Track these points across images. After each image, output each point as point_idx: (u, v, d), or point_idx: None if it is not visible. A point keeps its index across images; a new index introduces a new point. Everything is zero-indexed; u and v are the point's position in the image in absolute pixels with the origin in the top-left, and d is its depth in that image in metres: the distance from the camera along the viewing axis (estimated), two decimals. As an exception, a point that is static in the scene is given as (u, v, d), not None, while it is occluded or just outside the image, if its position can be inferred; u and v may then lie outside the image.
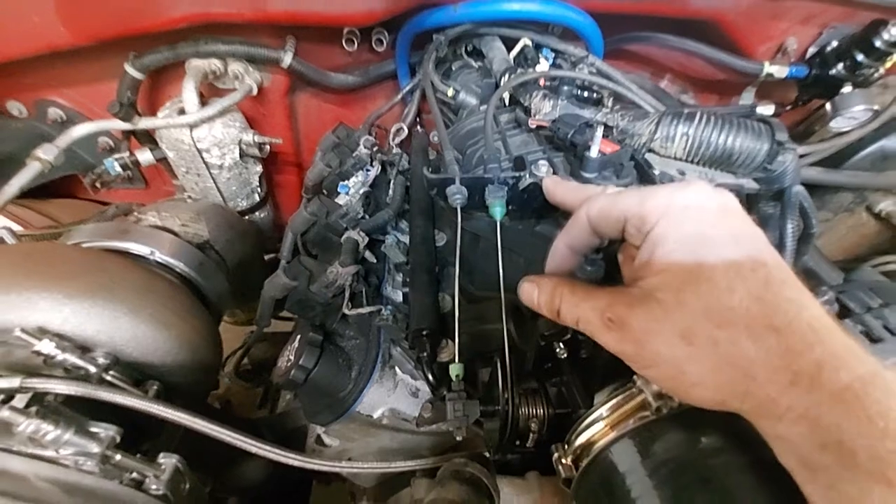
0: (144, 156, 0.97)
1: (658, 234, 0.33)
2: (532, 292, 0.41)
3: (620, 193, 0.37)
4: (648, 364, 0.34)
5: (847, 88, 0.88)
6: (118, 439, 0.48)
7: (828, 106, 0.89)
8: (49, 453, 0.45)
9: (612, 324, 0.34)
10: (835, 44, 0.88)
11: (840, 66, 0.86)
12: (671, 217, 0.33)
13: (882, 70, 0.86)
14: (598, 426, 0.44)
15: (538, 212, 0.61)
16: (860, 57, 0.83)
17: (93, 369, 0.53)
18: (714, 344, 0.31)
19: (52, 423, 0.44)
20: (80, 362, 0.53)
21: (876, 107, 0.86)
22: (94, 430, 0.47)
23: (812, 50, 0.91)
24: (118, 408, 0.51)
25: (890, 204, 1.04)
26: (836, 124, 0.89)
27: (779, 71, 0.90)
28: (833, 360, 0.29)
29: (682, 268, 0.32)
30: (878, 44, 0.81)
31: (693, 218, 0.33)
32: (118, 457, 0.47)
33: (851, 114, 0.86)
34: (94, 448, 0.46)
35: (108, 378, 0.55)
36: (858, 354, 0.30)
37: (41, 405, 0.46)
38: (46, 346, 0.51)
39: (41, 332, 0.53)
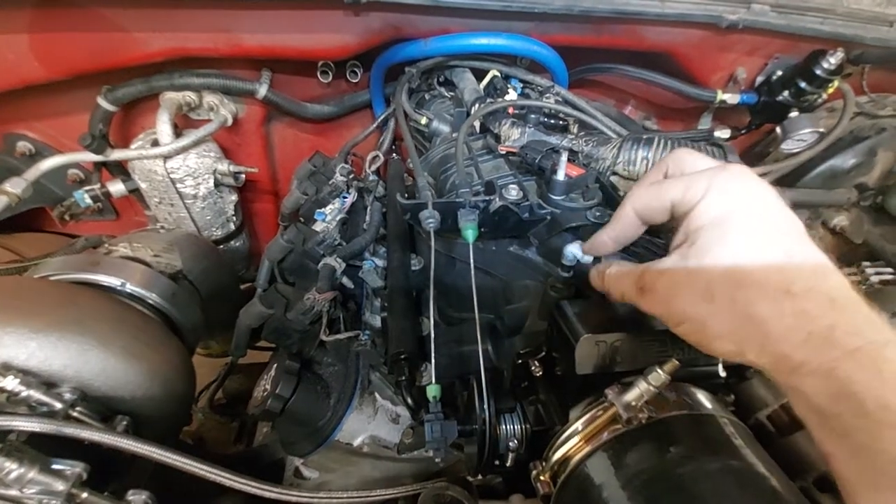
0: (116, 187, 0.97)
1: (693, 215, 0.38)
2: (595, 278, 0.47)
3: (665, 182, 0.41)
4: (677, 321, 0.38)
5: (794, 113, 0.94)
6: (85, 476, 0.47)
7: (778, 129, 0.95)
8: (13, 492, 0.43)
9: (643, 291, 0.40)
10: (780, 73, 0.95)
11: (786, 93, 0.92)
12: (707, 199, 0.37)
13: (824, 95, 0.92)
14: (574, 441, 0.45)
15: (511, 233, 0.63)
16: (803, 84, 0.90)
17: (58, 405, 0.52)
18: (732, 302, 0.35)
19: (15, 462, 0.43)
20: (45, 398, 0.51)
21: (822, 129, 0.92)
22: (59, 467, 0.46)
23: (760, 79, 0.98)
24: (86, 445, 0.50)
25: (843, 219, 1.11)
26: (787, 146, 0.95)
27: (731, 98, 0.96)
28: (848, 325, 0.32)
29: (707, 238, 0.36)
30: (818, 72, 0.88)
31: (725, 199, 0.37)
32: (85, 494, 0.46)
33: (800, 136, 0.92)
34: (60, 486, 0.44)
35: (75, 414, 0.53)
36: (877, 325, 0.32)
37: (4, 443, 0.45)
38: (10, 383, 0.50)
39: (5, 369, 0.51)
